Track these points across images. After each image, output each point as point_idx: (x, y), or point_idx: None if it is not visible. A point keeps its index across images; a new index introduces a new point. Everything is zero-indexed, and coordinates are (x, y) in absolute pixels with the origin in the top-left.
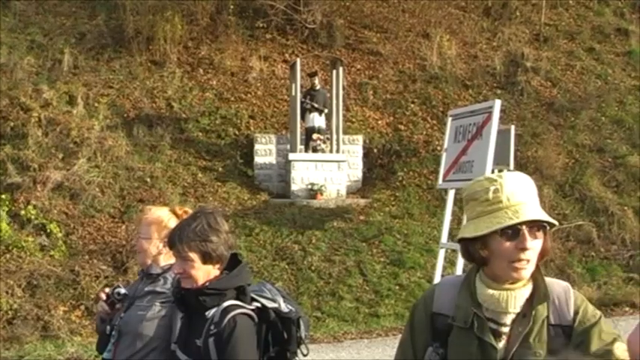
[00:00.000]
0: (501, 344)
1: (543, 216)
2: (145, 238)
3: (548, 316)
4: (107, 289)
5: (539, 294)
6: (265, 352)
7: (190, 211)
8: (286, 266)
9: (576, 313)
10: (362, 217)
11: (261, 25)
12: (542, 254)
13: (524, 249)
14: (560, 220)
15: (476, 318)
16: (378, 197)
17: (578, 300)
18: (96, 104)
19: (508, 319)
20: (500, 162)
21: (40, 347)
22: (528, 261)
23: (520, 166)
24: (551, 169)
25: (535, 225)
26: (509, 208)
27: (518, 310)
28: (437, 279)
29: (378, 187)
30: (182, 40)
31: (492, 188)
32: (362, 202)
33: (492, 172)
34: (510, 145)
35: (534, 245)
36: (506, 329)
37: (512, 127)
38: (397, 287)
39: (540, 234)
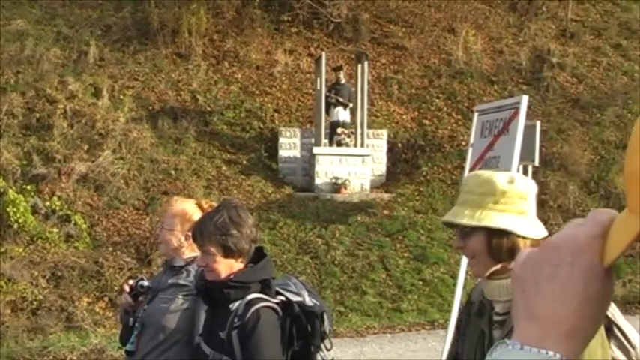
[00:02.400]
0: (497, 332)
1: (466, 220)
2: (168, 229)
3: None
4: (131, 281)
5: None
6: (289, 346)
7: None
8: (309, 260)
9: None
10: (386, 212)
11: (286, 18)
12: (494, 256)
13: (456, 247)
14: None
15: (481, 306)
16: (402, 192)
17: None
18: (121, 96)
19: (501, 308)
20: (526, 158)
21: (64, 338)
22: (470, 257)
23: (545, 163)
24: (576, 166)
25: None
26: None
27: (506, 298)
28: (461, 275)
29: (402, 182)
30: (207, 33)
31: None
32: (386, 196)
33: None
34: (536, 141)
35: (467, 245)
36: (500, 318)
37: (538, 123)
38: (420, 282)
39: (477, 235)
